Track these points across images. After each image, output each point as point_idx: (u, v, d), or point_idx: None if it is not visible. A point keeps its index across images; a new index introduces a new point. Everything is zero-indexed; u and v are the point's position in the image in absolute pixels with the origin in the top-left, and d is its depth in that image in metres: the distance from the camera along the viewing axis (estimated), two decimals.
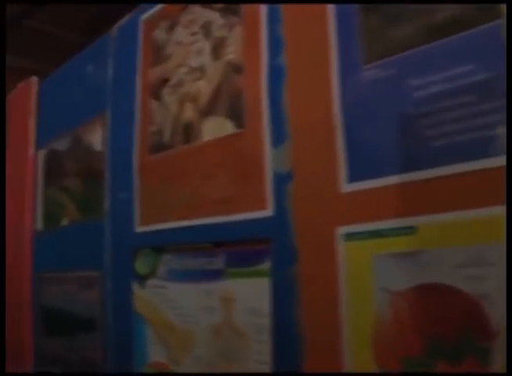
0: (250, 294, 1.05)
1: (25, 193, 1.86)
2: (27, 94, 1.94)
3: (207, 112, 1.17)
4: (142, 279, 1.29)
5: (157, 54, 1.34)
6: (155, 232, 1.26)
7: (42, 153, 1.81)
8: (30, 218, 1.83)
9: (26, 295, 1.80)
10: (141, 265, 1.29)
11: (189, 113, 1.22)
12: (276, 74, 1.04)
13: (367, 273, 0.86)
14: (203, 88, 1.19)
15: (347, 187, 0.90)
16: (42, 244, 1.78)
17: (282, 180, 1.00)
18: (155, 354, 1.26)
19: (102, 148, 1.50)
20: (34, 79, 1.94)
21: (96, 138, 1.53)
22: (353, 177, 0.89)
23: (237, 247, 1.08)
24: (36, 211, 1.81)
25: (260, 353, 1.02)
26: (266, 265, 1.02)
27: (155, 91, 1.32)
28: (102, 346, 1.44)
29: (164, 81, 1.30)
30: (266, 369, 1.00)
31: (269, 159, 1.03)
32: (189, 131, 1.21)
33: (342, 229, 0.90)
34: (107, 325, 1.41)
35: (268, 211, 1.02)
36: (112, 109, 1.48)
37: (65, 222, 1.65)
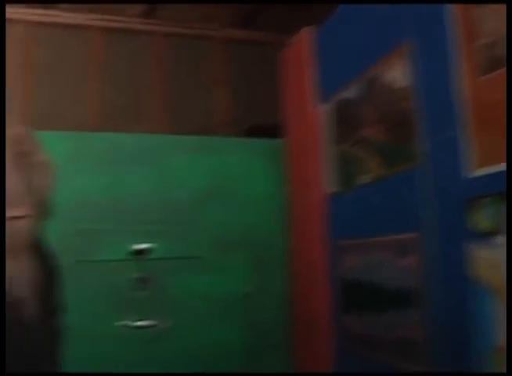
0: None
1: (311, 154, 1.69)
2: (301, 47, 1.75)
3: None
4: (483, 236, 1.00)
5: None
6: (499, 174, 0.95)
7: (328, 107, 1.61)
8: (319, 181, 1.65)
9: (320, 266, 1.63)
10: (481, 219, 1.00)
11: None
12: None
13: None
14: None
15: None
16: (338, 208, 1.58)
17: None
18: None
19: (407, 83, 1.23)
20: (307, 29, 1.74)
21: (397, 74, 1.28)
22: None
23: None
24: (327, 172, 1.62)
25: None
26: None
27: None
28: (424, 325, 1.18)
29: None
30: None
31: None
32: None
33: None
34: (431, 299, 1.15)
35: None
36: (415, 34, 1.21)
37: (365, 179, 1.42)
